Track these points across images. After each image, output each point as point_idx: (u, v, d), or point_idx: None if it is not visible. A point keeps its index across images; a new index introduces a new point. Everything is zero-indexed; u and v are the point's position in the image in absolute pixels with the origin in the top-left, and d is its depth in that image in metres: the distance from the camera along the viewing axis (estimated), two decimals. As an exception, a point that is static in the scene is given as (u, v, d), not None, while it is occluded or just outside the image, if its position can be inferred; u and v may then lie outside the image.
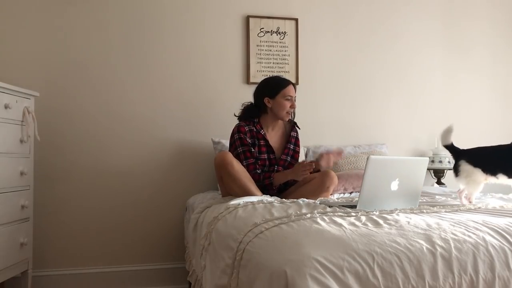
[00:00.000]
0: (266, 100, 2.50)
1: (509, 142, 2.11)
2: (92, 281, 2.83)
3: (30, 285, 2.57)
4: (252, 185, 2.29)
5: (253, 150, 2.43)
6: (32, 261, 2.60)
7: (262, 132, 2.50)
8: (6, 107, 2.32)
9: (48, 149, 2.80)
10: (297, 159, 2.61)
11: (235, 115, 2.60)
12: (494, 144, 2.16)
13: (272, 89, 2.50)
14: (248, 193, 2.23)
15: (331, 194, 2.51)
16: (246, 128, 2.46)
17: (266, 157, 2.49)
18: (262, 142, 2.49)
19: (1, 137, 2.29)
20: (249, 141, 2.44)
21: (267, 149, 2.50)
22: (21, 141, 2.46)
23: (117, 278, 2.87)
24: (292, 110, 2.52)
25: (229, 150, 2.49)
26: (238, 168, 2.27)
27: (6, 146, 2.34)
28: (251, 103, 2.58)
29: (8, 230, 2.34)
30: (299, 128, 2.66)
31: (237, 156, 2.38)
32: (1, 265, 2.27)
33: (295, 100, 2.52)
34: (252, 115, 2.52)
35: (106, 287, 2.84)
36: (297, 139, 2.64)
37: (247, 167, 2.37)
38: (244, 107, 2.59)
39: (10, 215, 2.37)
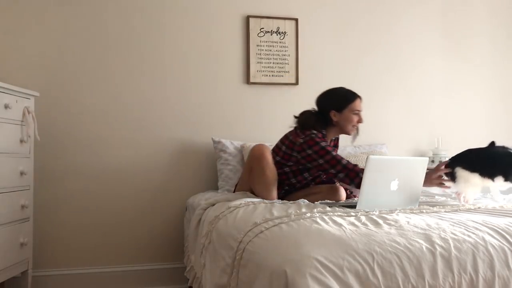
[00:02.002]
0: (332, 113, 2.35)
1: (505, 144, 2.13)
2: (92, 281, 2.83)
3: (30, 285, 2.58)
4: (274, 188, 2.24)
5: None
6: (32, 261, 2.60)
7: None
8: (6, 107, 2.32)
9: (48, 149, 2.80)
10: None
11: (295, 117, 2.41)
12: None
13: (340, 102, 2.36)
14: (269, 194, 2.19)
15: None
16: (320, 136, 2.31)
17: None
18: None
19: (1, 137, 2.29)
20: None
21: None
22: (21, 141, 2.46)
23: (117, 278, 2.87)
24: (358, 125, 2.39)
25: (313, 160, 2.25)
26: (271, 166, 2.22)
27: (6, 146, 2.34)
28: (316, 111, 2.40)
29: (8, 230, 2.34)
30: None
31: (331, 160, 2.19)
32: (1, 265, 2.27)
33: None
34: (321, 126, 2.34)
35: (106, 287, 2.84)
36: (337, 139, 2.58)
37: (347, 163, 2.17)
38: (310, 114, 2.38)
39: (10, 215, 2.37)
